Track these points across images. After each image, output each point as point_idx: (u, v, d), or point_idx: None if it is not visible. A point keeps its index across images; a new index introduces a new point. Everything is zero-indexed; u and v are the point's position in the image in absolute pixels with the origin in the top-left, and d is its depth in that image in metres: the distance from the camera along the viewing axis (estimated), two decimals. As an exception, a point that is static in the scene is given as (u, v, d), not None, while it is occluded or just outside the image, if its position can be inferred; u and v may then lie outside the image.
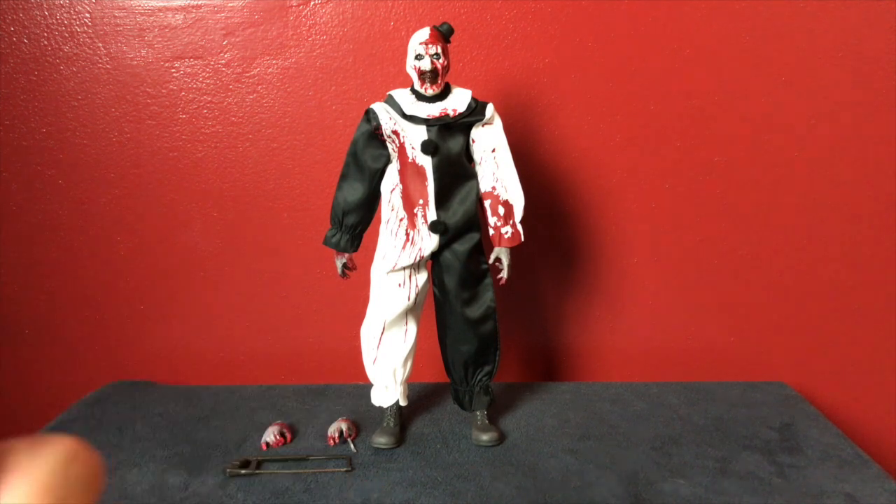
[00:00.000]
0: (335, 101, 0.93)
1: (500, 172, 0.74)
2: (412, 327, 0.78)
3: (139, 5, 0.91)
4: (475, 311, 0.77)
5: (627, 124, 0.93)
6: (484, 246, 0.77)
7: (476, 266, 0.76)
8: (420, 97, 0.73)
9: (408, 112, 0.71)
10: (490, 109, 0.73)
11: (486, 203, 0.75)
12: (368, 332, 0.78)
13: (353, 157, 0.75)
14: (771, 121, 0.92)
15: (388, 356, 0.78)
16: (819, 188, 0.94)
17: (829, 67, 0.90)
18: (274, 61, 0.92)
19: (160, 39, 0.92)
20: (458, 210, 0.74)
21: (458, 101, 0.73)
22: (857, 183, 0.93)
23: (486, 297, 0.77)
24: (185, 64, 0.93)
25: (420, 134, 0.72)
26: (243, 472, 0.72)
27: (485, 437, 0.77)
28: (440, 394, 0.90)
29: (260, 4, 0.91)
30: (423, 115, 0.71)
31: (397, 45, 0.91)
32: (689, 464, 0.73)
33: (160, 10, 0.91)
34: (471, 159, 0.75)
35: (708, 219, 0.95)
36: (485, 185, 0.75)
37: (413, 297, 0.76)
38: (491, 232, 0.75)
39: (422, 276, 0.77)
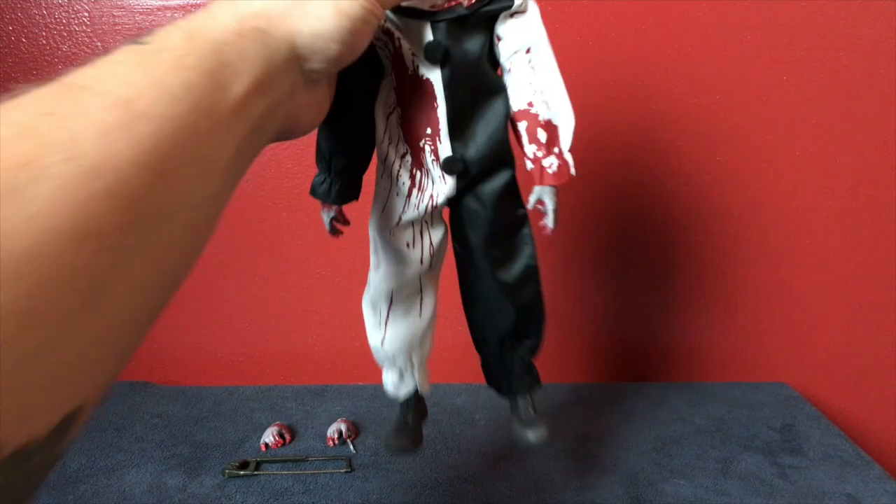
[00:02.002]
0: (335, 101, 0.93)
1: (538, 81, 0.52)
2: (429, 297, 0.60)
3: (138, 4, 0.91)
4: (511, 273, 0.56)
5: (625, 124, 0.92)
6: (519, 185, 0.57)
7: (510, 213, 0.55)
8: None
9: (404, 4, 0.50)
10: None
11: (521, 126, 0.52)
12: (372, 306, 0.59)
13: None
14: (771, 121, 0.92)
15: (399, 336, 0.59)
16: (820, 188, 0.94)
17: (831, 67, 0.90)
18: (273, 60, 0.92)
19: (159, 38, 0.92)
20: (482, 138, 0.52)
21: None
22: (859, 183, 0.93)
23: (525, 254, 0.56)
24: (184, 63, 0.92)
25: (423, 34, 0.49)
26: (242, 473, 0.71)
27: (531, 437, 0.57)
28: (440, 393, 0.90)
29: (259, 3, 0.91)
30: (426, 7, 0.49)
31: (397, 45, 0.90)
32: (690, 465, 0.73)
33: (159, 9, 0.91)
34: (496, 65, 0.52)
35: (708, 218, 0.95)
36: (518, 101, 0.52)
37: (427, 258, 0.56)
38: (529, 165, 0.53)
39: (437, 231, 0.56)
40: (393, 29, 0.49)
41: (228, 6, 0.36)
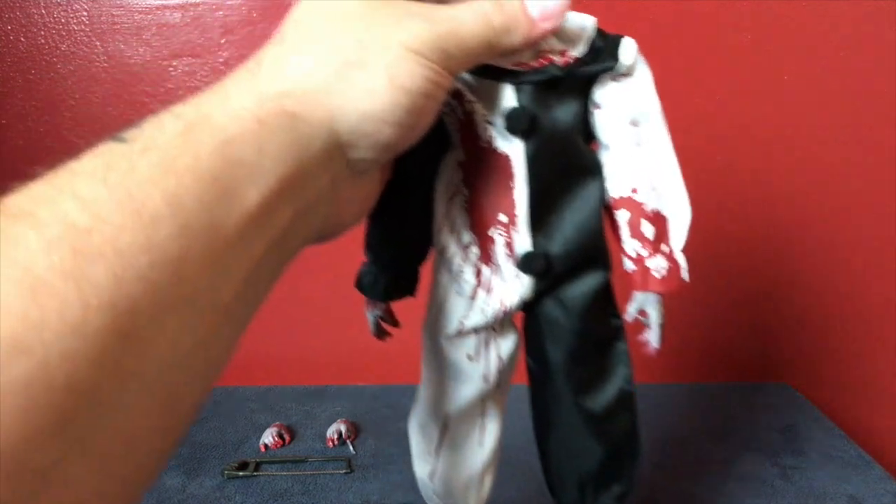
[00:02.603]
0: (334, 100, 0.93)
1: (646, 161, 0.43)
2: (493, 423, 0.48)
3: (137, 3, 0.90)
4: (599, 400, 0.45)
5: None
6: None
7: (601, 324, 0.45)
8: None
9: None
10: (630, 49, 0.42)
11: (621, 216, 0.43)
12: (421, 430, 0.48)
13: None
14: (772, 121, 0.92)
15: (454, 469, 0.48)
16: (820, 188, 0.93)
17: (833, 67, 0.90)
18: (273, 60, 0.92)
19: (158, 38, 0.91)
20: (570, 229, 0.41)
21: (573, 35, 0.40)
22: (860, 185, 0.93)
23: (618, 376, 0.46)
24: (183, 62, 0.92)
25: (503, 98, 0.39)
26: (241, 473, 0.71)
27: None
28: (440, 395, 0.90)
29: (258, 3, 0.90)
30: (507, 64, 0.38)
31: (397, 44, 0.90)
32: (692, 465, 0.73)
33: (158, 7, 0.90)
34: (589, 138, 0.43)
35: (709, 219, 0.95)
36: (618, 185, 0.42)
37: (493, 376, 0.45)
38: (629, 265, 0.44)
39: (507, 341, 0.45)
40: (464, 90, 0.39)
41: (247, 82, 0.28)
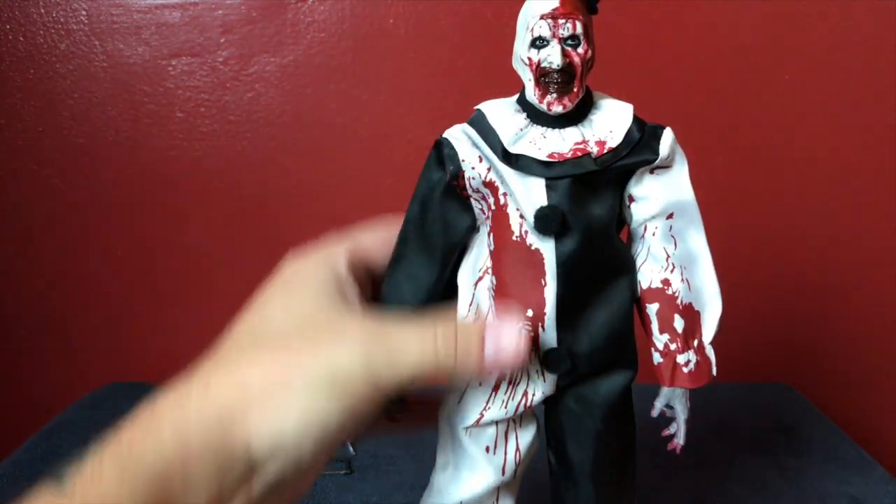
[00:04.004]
0: (334, 100, 0.93)
1: (679, 254, 0.41)
2: None
3: (136, 2, 0.90)
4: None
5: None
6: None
7: (628, 426, 0.46)
8: (537, 115, 0.38)
9: (513, 149, 0.37)
10: (669, 139, 0.41)
11: (651, 309, 0.41)
12: None
13: (414, 223, 0.41)
14: (772, 121, 0.91)
15: None
16: (821, 189, 0.93)
17: (835, 66, 0.90)
18: (272, 59, 0.92)
19: (157, 37, 0.91)
20: (597, 327, 0.40)
21: (610, 123, 0.39)
22: (860, 185, 0.93)
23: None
24: (182, 62, 0.92)
25: (534, 193, 0.37)
26: (241, 474, 0.71)
27: None
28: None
29: (258, 2, 0.90)
30: (542, 157, 0.37)
31: (397, 43, 0.90)
32: (691, 466, 0.72)
33: (157, 7, 0.90)
34: (621, 225, 0.42)
35: (710, 219, 0.94)
36: (650, 277, 0.41)
37: (510, 469, 0.43)
38: (657, 359, 0.44)
39: (526, 433, 0.43)
40: (497, 181, 0.38)
41: (177, 410, 0.30)
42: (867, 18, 0.88)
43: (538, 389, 0.41)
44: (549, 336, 0.39)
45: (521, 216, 0.37)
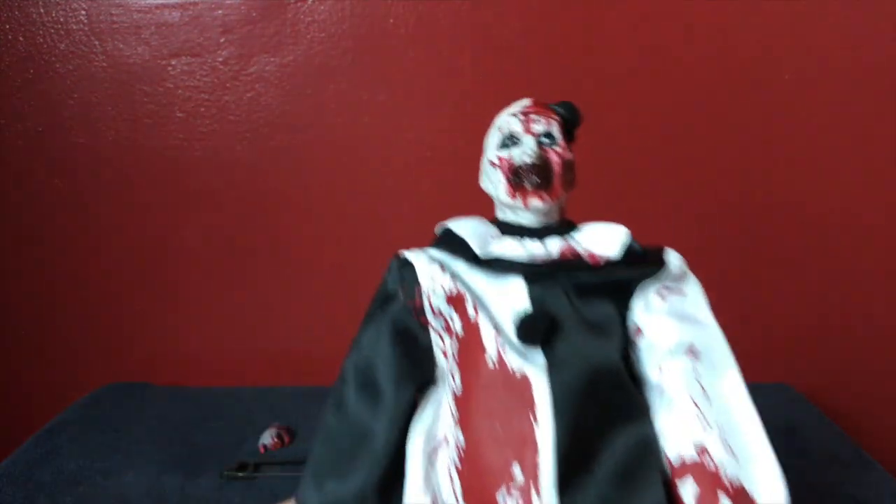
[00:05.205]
0: (333, 100, 0.92)
1: (714, 409, 0.33)
2: None
3: (135, 2, 0.90)
4: None
5: (632, 124, 0.92)
6: None
7: None
8: (511, 229, 0.33)
9: (486, 254, 0.31)
10: (675, 255, 0.37)
11: (687, 489, 0.31)
12: None
13: (357, 366, 0.37)
14: (774, 121, 0.91)
15: None
16: (822, 190, 0.93)
17: (835, 66, 0.90)
18: (272, 59, 0.91)
19: (156, 37, 0.91)
20: (615, 498, 0.30)
21: (601, 237, 0.33)
22: (861, 186, 0.93)
23: None
24: (182, 61, 0.92)
25: (513, 294, 0.31)
26: (240, 475, 0.71)
27: None
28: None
29: (258, 1, 0.90)
30: (522, 257, 0.31)
31: (397, 43, 0.90)
32: (692, 467, 0.72)
33: (157, 7, 0.90)
34: (627, 362, 0.33)
35: (711, 220, 0.94)
36: (679, 442, 0.31)
37: None
38: None
39: None
40: (464, 292, 0.30)
41: None
42: (868, 19, 0.88)
43: None
44: (549, 501, 0.27)
45: (497, 329, 0.29)
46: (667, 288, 0.33)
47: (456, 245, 0.31)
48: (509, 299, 0.30)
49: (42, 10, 0.91)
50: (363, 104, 0.92)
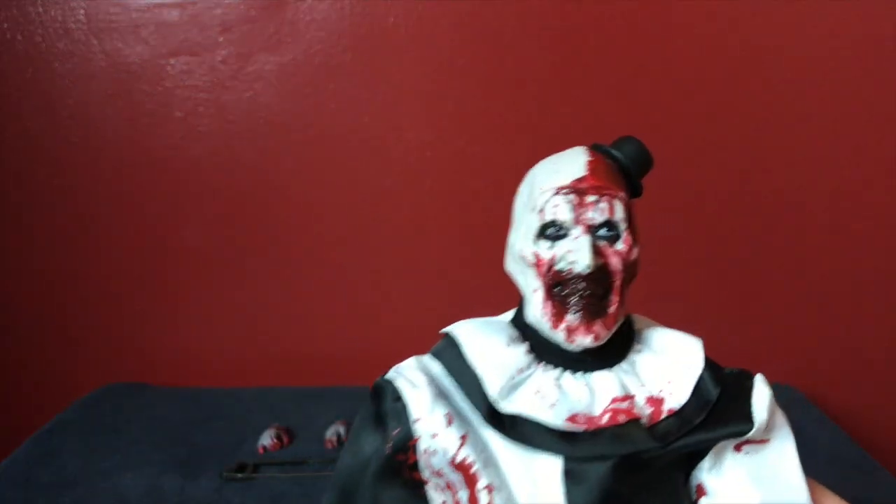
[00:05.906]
0: (333, 99, 0.92)
1: None
2: None
3: (134, 1, 0.90)
4: None
5: (626, 124, 0.91)
6: None
7: None
8: (546, 349, 0.26)
9: (507, 405, 0.24)
10: (766, 396, 0.30)
11: None
12: None
13: None
14: (774, 121, 0.91)
15: None
16: (823, 190, 0.93)
17: (834, 66, 0.89)
18: (271, 58, 0.91)
19: (155, 36, 0.91)
20: None
21: (666, 366, 0.27)
22: (861, 186, 0.92)
23: None
24: (181, 61, 0.91)
25: (543, 485, 0.23)
26: (240, 475, 0.71)
27: None
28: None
29: (257, 1, 0.90)
30: (557, 421, 0.24)
31: (397, 43, 0.90)
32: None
33: (156, 6, 0.90)
34: None
35: (712, 220, 0.94)
36: None
37: None
38: None
39: None
40: (475, 462, 0.23)
41: None
42: (868, 18, 0.87)
43: None
44: None
45: None
46: (752, 440, 0.25)
47: (467, 379, 0.24)
48: (537, 487, 0.22)
49: (41, 9, 0.90)
50: (363, 104, 0.92)
